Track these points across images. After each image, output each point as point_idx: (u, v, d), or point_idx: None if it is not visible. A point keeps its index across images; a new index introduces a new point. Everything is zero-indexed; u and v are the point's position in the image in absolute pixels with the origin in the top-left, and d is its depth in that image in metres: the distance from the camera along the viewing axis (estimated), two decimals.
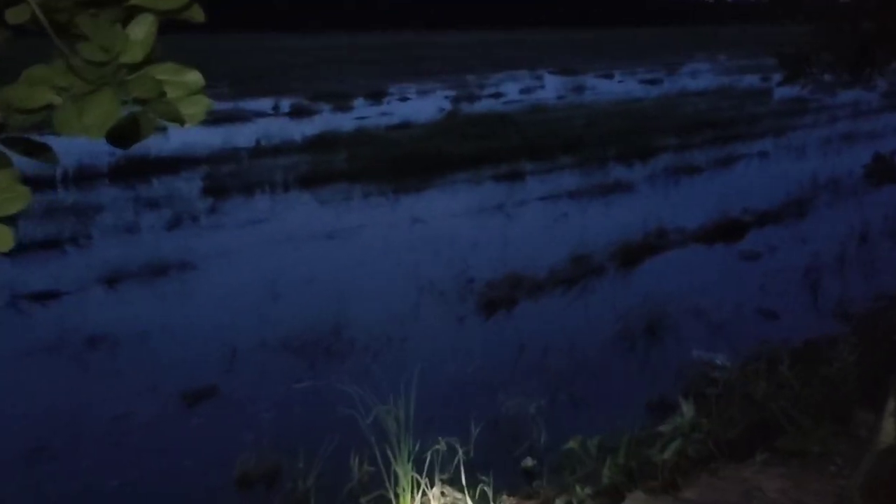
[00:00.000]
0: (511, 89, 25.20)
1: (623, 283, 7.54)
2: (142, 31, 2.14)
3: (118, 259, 7.85)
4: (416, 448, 3.77)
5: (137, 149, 12.98)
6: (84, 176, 11.74)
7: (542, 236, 9.08)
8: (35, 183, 11.14)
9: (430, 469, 3.82)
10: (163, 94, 2.08)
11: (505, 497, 3.97)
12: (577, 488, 3.88)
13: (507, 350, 5.90)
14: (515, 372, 5.52)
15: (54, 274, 7.56)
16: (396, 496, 3.68)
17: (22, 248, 8.40)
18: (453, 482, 3.96)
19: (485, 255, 8.22)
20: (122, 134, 2.03)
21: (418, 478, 3.69)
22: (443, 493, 4.00)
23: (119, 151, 12.55)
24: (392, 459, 3.66)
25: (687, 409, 4.49)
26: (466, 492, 3.82)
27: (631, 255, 8.13)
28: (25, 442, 4.56)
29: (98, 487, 4.16)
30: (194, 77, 2.02)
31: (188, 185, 11.52)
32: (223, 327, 6.35)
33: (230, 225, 9.66)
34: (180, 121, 2.04)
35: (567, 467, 4.24)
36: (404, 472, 3.64)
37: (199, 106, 2.02)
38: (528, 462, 4.29)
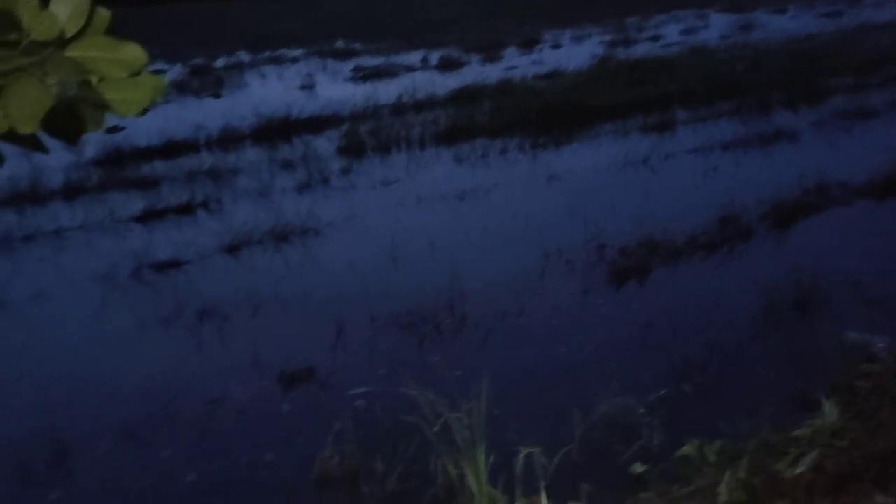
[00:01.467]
0: (671, 31, 23.73)
1: (772, 249, 6.72)
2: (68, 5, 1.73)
3: (243, 225, 7.79)
4: (495, 455, 3.35)
5: (280, 109, 13.06)
6: (227, 138, 11.86)
7: (686, 194, 8.31)
8: (178, 147, 11.38)
9: (521, 478, 3.39)
10: (86, 76, 1.68)
11: None
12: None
13: (630, 329, 5.32)
14: (636, 356, 4.96)
15: (179, 242, 7.58)
16: None
17: (155, 214, 8.54)
18: (548, 491, 3.52)
19: (621, 217, 7.58)
20: (63, 126, 1.65)
21: (494, 491, 3.27)
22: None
23: (262, 111, 12.65)
24: (465, 470, 3.26)
25: (829, 410, 3.81)
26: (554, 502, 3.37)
27: (784, 214, 7.26)
28: (115, 423, 4.48)
29: (173, 480, 4.00)
30: (133, 53, 1.60)
31: (326, 145, 11.40)
32: (334, 299, 6.10)
33: (361, 186, 9.44)
34: (110, 108, 1.63)
35: (681, 477, 3.69)
36: (479, 487, 3.23)
37: (141, 90, 1.61)
38: (638, 468, 3.76)
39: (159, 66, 20.88)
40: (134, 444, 4.32)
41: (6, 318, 6.20)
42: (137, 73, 1.54)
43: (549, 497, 3.56)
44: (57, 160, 9.97)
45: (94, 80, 1.45)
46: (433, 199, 8.81)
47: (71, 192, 9.33)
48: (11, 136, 1.40)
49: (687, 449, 3.74)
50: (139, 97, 1.54)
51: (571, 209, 7.95)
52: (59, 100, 1.39)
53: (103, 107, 1.51)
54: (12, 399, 4.88)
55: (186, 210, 8.68)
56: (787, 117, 11.45)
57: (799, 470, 3.47)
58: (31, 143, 1.47)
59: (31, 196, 9.11)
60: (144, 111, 1.51)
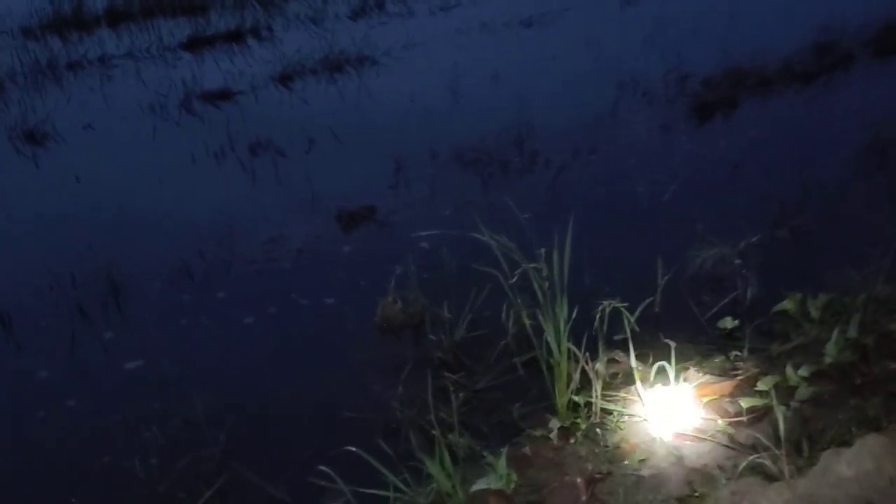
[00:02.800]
0: None
1: (877, 79, 6.07)
2: None
3: (295, 54, 7.33)
4: (573, 307, 3.02)
5: None
6: None
7: (778, 17, 7.56)
8: None
9: (602, 333, 3.08)
10: None
11: (692, 370, 3.18)
12: (789, 369, 3.00)
13: (717, 169, 4.86)
14: (725, 199, 4.52)
15: (229, 71, 7.18)
16: (549, 368, 2.99)
17: (203, 41, 8.09)
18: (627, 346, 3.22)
19: (707, 43, 6.94)
20: None
21: (574, 349, 2.97)
22: (612, 361, 3.27)
23: None
24: (542, 322, 2.94)
25: None
26: (637, 359, 3.07)
27: (891, 39, 6.54)
28: (168, 261, 4.25)
29: (230, 323, 3.79)
30: None
31: None
32: (393, 133, 5.71)
33: (418, 12, 8.81)
34: None
35: (778, 335, 3.35)
36: (558, 342, 2.92)
37: None
38: (728, 323, 3.41)
39: None
40: (188, 283, 4.10)
41: (56, 150, 5.95)
42: None
43: (632, 353, 3.27)
44: None
45: None
46: (497, 25, 8.19)
47: (115, 17, 8.88)
48: None
49: (786, 303, 3.39)
50: None
51: (649, 36, 7.30)
52: None
53: None
54: (63, 233, 4.68)
55: (236, 37, 8.21)
56: None
57: None
58: None
59: (74, 22, 8.69)
60: None
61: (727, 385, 3.04)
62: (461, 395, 3.19)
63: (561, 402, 2.97)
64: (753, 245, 3.93)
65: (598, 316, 3.11)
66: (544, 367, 2.99)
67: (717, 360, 3.27)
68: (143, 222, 4.73)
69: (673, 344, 3.31)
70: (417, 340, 3.58)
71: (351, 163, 5.35)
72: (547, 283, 2.94)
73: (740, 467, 2.64)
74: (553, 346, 2.92)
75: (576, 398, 2.99)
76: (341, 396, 3.27)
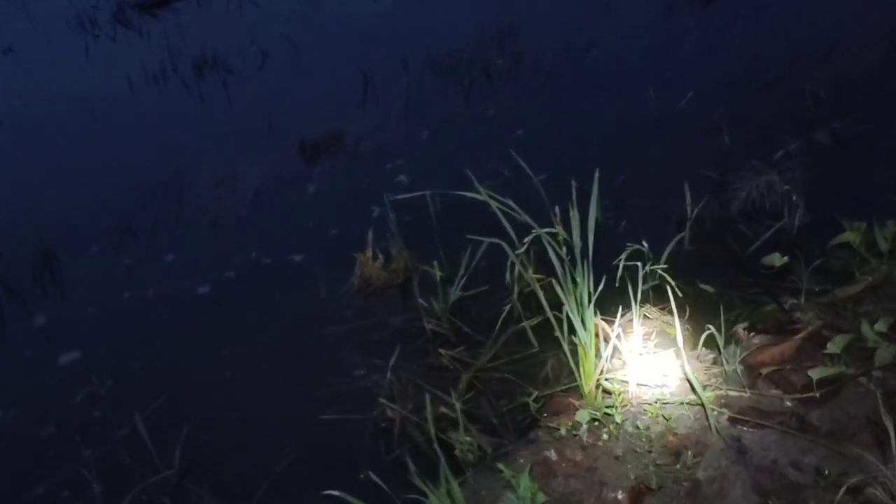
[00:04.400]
0: None
1: None
2: None
3: None
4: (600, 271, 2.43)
5: None
6: None
7: None
8: None
9: (626, 281, 2.51)
10: None
11: (740, 328, 2.62)
12: (865, 326, 2.44)
13: (736, 63, 4.19)
14: (750, 101, 3.87)
15: None
16: (572, 346, 2.41)
17: None
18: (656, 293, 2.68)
19: None
20: None
21: (604, 325, 2.39)
22: (646, 317, 2.71)
23: None
24: (560, 292, 2.35)
25: None
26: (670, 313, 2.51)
27: None
28: (108, 220, 3.60)
29: (183, 294, 3.17)
30: None
31: None
32: (359, 39, 4.98)
33: None
34: None
35: (839, 275, 2.78)
36: (580, 313, 2.33)
37: None
38: (775, 259, 2.84)
39: None
40: (131, 244, 3.46)
41: None
42: None
43: (657, 304, 2.72)
44: None
45: None
46: None
47: None
48: None
49: (848, 234, 2.81)
50: None
51: None
52: None
53: None
54: None
55: None
56: None
57: None
58: None
59: None
60: None
61: (788, 347, 2.48)
62: (463, 377, 2.62)
63: (588, 385, 2.42)
64: (793, 158, 3.33)
65: (620, 264, 2.52)
66: (565, 346, 2.41)
67: (769, 308, 2.71)
68: (73, 170, 4.04)
69: (710, 289, 2.76)
70: (404, 305, 2.99)
71: (311, 79, 4.64)
72: (565, 249, 2.33)
73: (828, 475, 2.11)
74: (576, 322, 2.34)
75: (606, 381, 2.43)
76: (317, 388, 2.69)
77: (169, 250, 3.43)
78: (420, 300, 2.91)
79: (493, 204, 2.39)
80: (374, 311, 2.98)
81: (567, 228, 2.41)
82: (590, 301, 2.34)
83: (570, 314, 2.32)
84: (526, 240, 2.25)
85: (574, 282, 2.33)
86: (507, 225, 2.44)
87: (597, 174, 2.34)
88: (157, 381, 2.80)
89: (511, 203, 2.42)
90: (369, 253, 3.12)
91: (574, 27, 4.73)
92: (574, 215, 2.31)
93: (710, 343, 2.59)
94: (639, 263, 2.53)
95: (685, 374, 2.43)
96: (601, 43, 4.57)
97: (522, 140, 3.82)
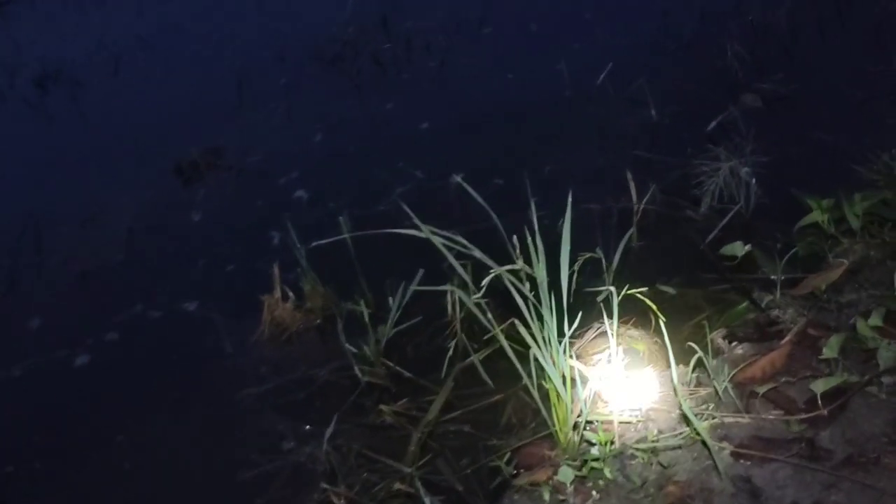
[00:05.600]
0: None
1: None
2: None
3: None
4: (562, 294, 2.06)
5: None
6: None
7: None
8: None
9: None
10: None
11: (717, 335, 2.31)
12: (860, 323, 2.16)
13: (654, 22, 3.88)
14: (674, 67, 3.56)
15: None
16: (542, 391, 2.04)
17: None
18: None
19: None
20: None
21: (580, 368, 2.03)
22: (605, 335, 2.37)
23: None
24: (525, 334, 1.97)
25: None
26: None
27: None
28: None
29: (57, 371, 2.64)
30: None
31: None
32: (226, 33, 4.43)
33: None
34: None
35: (812, 259, 2.50)
36: (550, 353, 1.96)
37: None
38: (737, 249, 2.52)
39: None
40: None
41: None
42: None
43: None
44: None
45: None
46: None
47: None
48: None
49: (815, 214, 2.52)
50: None
51: None
52: None
53: None
54: None
55: None
56: None
57: None
58: None
59: None
60: None
61: (777, 357, 2.19)
62: (413, 437, 2.22)
63: (564, 433, 2.06)
64: (729, 128, 3.05)
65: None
66: (535, 392, 2.04)
67: (741, 307, 2.41)
68: None
69: (671, 291, 2.45)
70: (329, 352, 2.55)
71: (176, 84, 4.09)
72: (528, 285, 1.95)
73: None
74: (547, 365, 1.97)
75: (585, 424, 2.08)
76: (238, 471, 2.23)
77: (33, 314, 2.87)
78: (347, 345, 2.48)
79: (437, 240, 1.97)
80: (294, 364, 2.53)
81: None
82: (561, 339, 1.97)
83: (540, 358, 1.95)
84: (484, 281, 1.85)
85: (540, 318, 1.95)
86: (453, 262, 2.03)
87: (570, 198, 1.95)
88: (34, 487, 2.29)
89: (461, 240, 1.99)
90: (277, 292, 2.67)
91: (462, 6, 4.32)
92: (535, 245, 1.92)
93: (686, 357, 2.28)
94: (610, 286, 2.19)
95: (673, 402, 2.11)
96: (494, 15, 4.18)
97: (429, 134, 3.41)
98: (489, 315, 1.97)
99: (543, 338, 1.96)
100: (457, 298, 2.42)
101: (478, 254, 1.90)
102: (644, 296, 2.11)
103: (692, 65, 3.48)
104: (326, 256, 2.74)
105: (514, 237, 1.94)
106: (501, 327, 1.97)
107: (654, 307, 2.02)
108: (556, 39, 3.85)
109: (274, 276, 2.68)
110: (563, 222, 1.96)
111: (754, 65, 3.38)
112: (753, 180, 2.65)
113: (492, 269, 1.92)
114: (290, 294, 2.67)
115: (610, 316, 2.43)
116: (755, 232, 2.65)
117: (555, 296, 1.98)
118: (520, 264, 1.87)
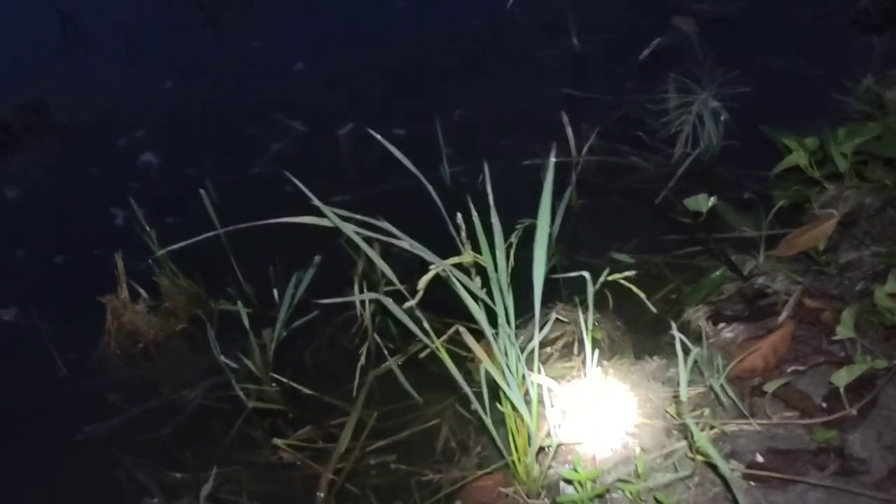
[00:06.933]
0: None
1: None
2: None
3: None
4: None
5: None
6: None
7: None
8: None
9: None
10: None
11: (702, 320, 1.85)
12: (878, 290, 1.72)
13: None
14: None
15: None
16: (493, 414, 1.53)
17: None
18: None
19: None
20: None
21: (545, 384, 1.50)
22: (558, 321, 1.89)
23: None
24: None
25: None
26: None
27: None
28: None
29: None
30: None
31: None
32: None
33: None
34: None
35: (793, 211, 2.06)
36: (512, 367, 1.44)
37: None
38: (701, 203, 2.04)
39: None
40: None
41: None
42: None
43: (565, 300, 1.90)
44: None
45: None
46: None
47: None
48: None
49: (795, 156, 2.07)
50: None
51: None
52: None
53: None
54: None
55: None
56: None
57: None
58: None
59: None
60: None
61: (779, 340, 1.73)
62: (322, 480, 1.66)
63: (524, 465, 1.55)
64: (665, 57, 2.58)
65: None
66: (488, 420, 1.51)
67: (716, 275, 1.95)
68: None
69: (628, 259, 1.97)
70: (200, 367, 1.94)
71: None
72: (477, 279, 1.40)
73: None
74: (506, 385, 1.44)
75: (554, 462, 1.57)
76: None
77: None
78: (223, 357, 1.87)
79: (348, 229, 1.38)
80: (153, 386, 1.92)
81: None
82: (523, 351, 1.44)
83: (496, 374, 1.41)
84: (421, 283, 1.28)
85: (493, 321, 1.41)
86: (379, 262, 1.45)
87: (552, 159, 1.39)
88: None
89: (388, 227, 1.41)
90: (124, 291, 2.03)
91: None
92: (484, 234, 1.37)
93: (658, 346, 1.82)
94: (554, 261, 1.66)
95: (655, 409, 1.64)
96: None
97: (307, 77, 2.79)
98: (419, 316, 1.40)
99: (499, 346, 1.43)
100: (363, 279, 1.87)
101: (408, 244, 1.33)
102: (590, 268, 1.61)
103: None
104: (187, 235, 2.11)
105: (459, 216, 1.38)
106: (442, 339, 1.42)
107: (639, 292, 1.52)
108: None
109: (118, 268, 2.04)
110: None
111: None
112: (723, 116, 2.17)
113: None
114: (142, 292, 2.04)
115: (562, 299, 1.95)
116: (717, 181, 2.19)
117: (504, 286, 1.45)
118: (468, 254, 1.32)
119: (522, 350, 1.43)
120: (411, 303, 1.28)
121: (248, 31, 3.06)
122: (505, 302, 1.37)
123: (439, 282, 1.43)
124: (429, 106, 2.55)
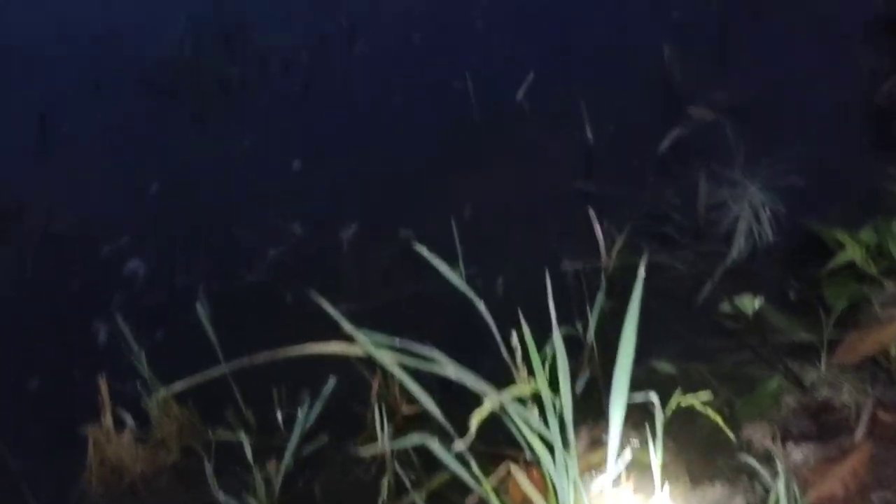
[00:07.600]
0: None
1: None
2: None
3: None
4: None
5: None
6: None
7: None
8: None
9: None
10: None
11: (769, 440, 1.65)
12: None
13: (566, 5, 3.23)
14: (602, 63, 2.92)
15: None
16: None
17: None
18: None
19: None
20: None
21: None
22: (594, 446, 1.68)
23: None
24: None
25: None
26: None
27: None
28: None
29: None
30: None
31: None
32: (16, 58, 3.45)
33: None
34: None
35: (851, 312, 1.89)
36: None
37: None
38: (747, 304, 1.87)
39: None
40: None
41: None
42: None
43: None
44: None
45: None
46: None
47: None
48: None
49: (850, 252, 1.90)
50: None
51: None
52: None
53: None
54: None
55: None
56: None
57: None
58: None
59: None
60: None
61: (858, 462, 1.54)
62: None
63: None
64: (684, 148, 2.45)
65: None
66: None
67: (773, 387, 1.76)
68: None
69: (670, 370, 1.78)
70: None
71: None
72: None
73: None
74: None
75: None
76: None
77: None
78: (223, 493, 1.64)
79: (390, 362, 1.17)
80: None
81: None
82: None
83: None
84: (473, 424, 1.07)
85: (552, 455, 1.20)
86: (431, 409, 1.25)
87: (642, 267, 1.21)
88: None
89: (430, 353, 1.20)
90: (108, 419, 1.80)
91: (319, 8, 3.54)
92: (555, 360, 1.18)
93: (713, 469, 1.61)
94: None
95: None
96: (364, 26, 3.43)
97: (303, 177, 2.63)
98: (474, 468, 1.19)
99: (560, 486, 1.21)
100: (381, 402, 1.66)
101: (453, 373, 1.13)
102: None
103: (621, 72, 2.86)
104: (181, 359, 1.89)
105: (514, 334, 1.19)
106: (493, 482, 1.21)
107: (721, 424, 1.32)
108: (448, 52, 3.15)
109: (101, 393, 1.81)
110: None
111: (695, 70, 2.80)
112: (768, 210, 2.02)
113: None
114: (129, 420, 1.81)
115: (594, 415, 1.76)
116: (757, 280, 2.02)
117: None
118: (525, 383, 1.12)
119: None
120: (462, 445, 1.07)
121: (236, 126, 2.91)
122: (568, 437, 1.16)
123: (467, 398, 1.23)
124: (436, 204, 2.39)
